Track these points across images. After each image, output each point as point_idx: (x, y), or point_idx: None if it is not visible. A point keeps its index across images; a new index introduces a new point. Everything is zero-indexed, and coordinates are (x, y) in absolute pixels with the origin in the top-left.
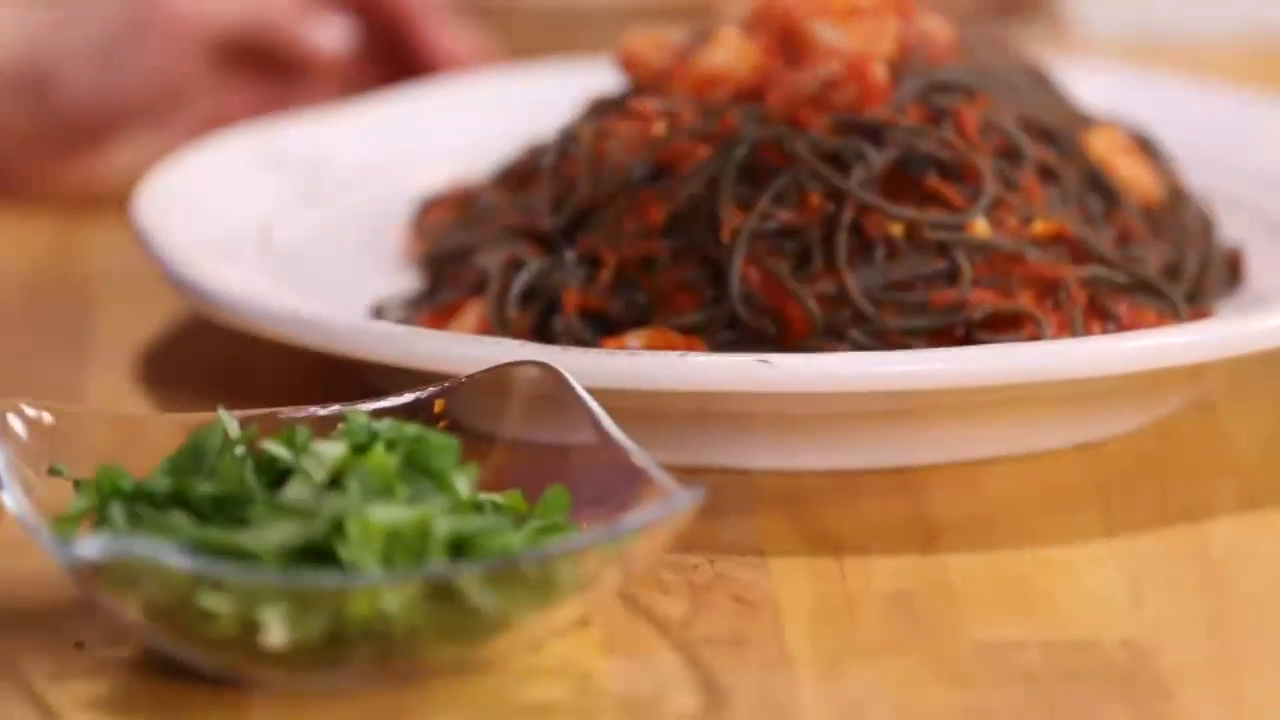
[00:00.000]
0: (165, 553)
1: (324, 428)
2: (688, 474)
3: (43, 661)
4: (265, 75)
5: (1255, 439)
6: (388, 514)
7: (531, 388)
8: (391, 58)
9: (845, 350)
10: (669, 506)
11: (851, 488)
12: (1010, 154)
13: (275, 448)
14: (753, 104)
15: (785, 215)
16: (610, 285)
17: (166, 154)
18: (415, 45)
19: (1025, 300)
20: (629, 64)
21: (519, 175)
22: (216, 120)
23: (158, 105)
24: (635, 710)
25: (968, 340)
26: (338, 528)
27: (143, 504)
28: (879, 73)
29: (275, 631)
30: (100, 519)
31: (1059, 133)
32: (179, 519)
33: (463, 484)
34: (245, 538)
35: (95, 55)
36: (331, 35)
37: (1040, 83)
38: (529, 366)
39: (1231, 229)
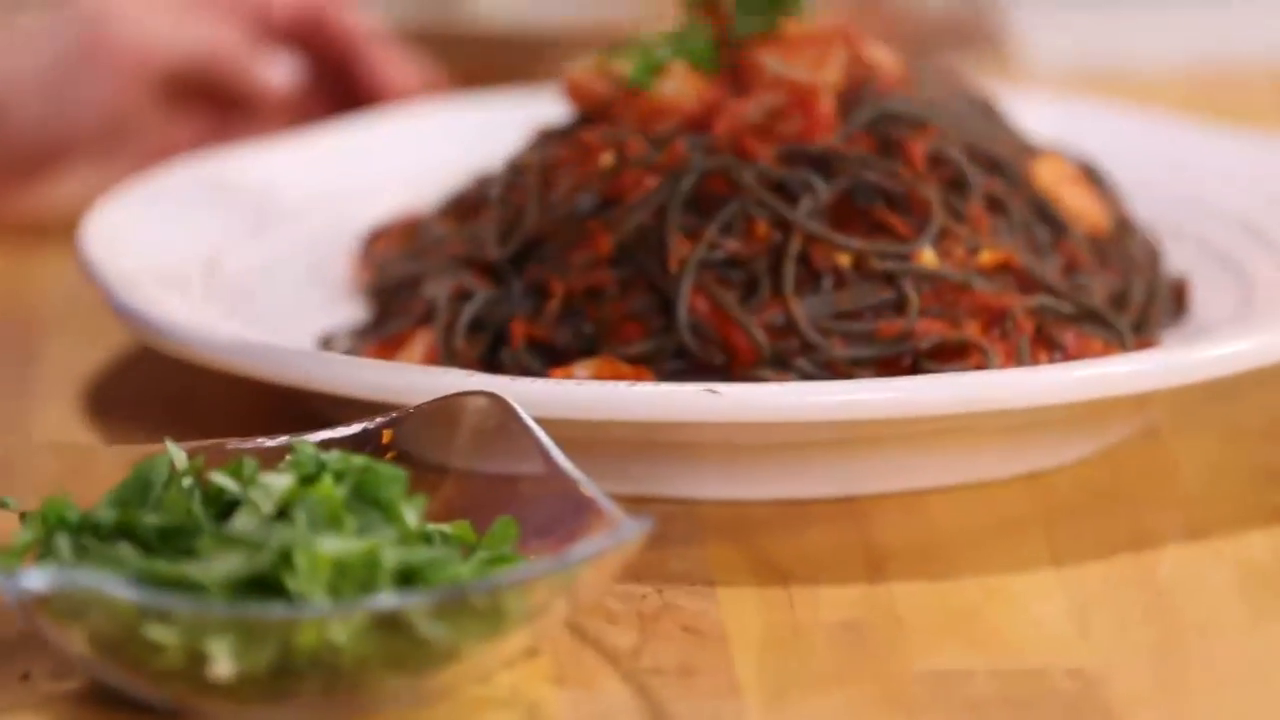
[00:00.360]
0: (111, 584)
1: (271, 458)
2: (636, 504)
3: None
4: (212, 108)
5: (1201, 468)
6: (335, 545)
7: (479, 418)
8: (338, 89)
9: (793, 380)
10: (617, 536)
11: (799, 517)
12: (957, 184)
13: (222, 479)
14: (700, 134)
15: (732, 245)
16: (558, 315)
17: (113, 185)
18: (361, 76)
19: (972, 330)
20: (574, 94)
21: (466, 205)
22: (164, 152)
23: (105, 137)
24: None
25: (915, 370)
26: (285, 559)
27: (89, 535)
28: (826, 103)
29: (222, 663)
30: (46, 550)
31: (1006, 163)
32: (125, 550)
33: (411, 515)
34: (192, 569)
35: (42, 86)
36: (279, 71)
37: (987, 113)
38: (477, 396)
39: (1177, 259)
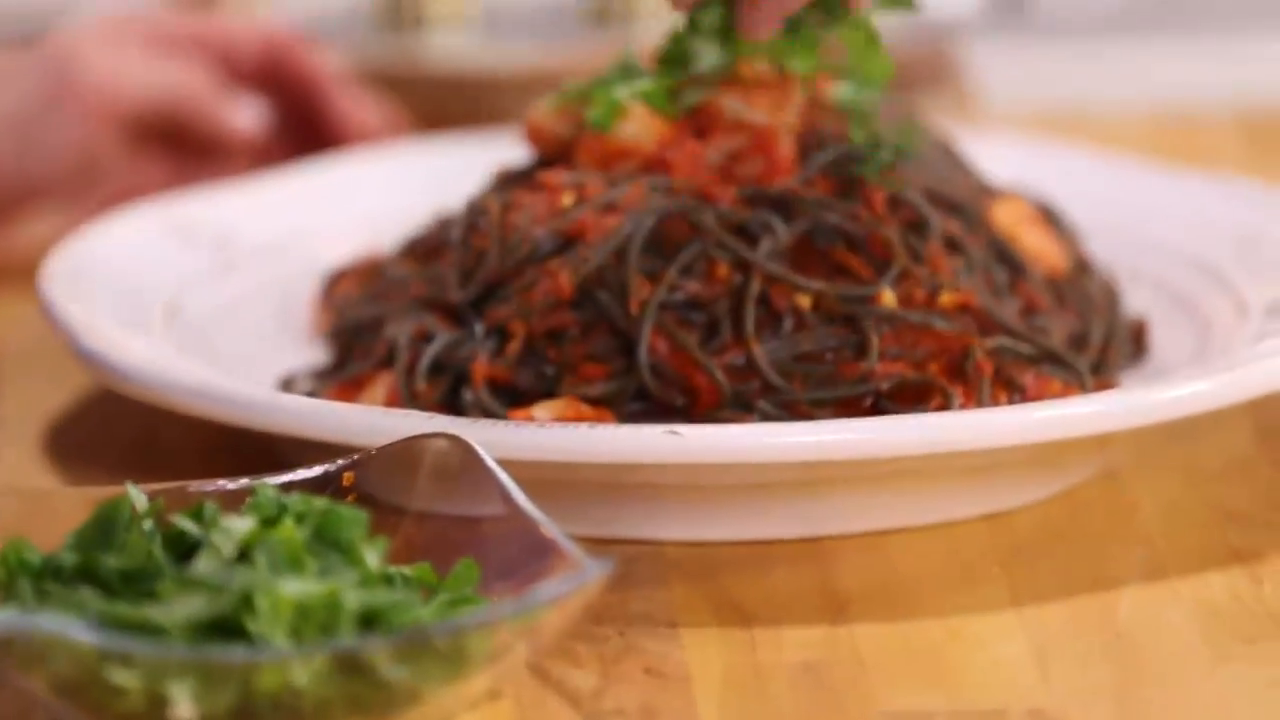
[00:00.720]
0: (73, 628)
1: (233, 501)
2: (598, 545)
3: None
4: (179, 151)
5: (1160, 508)
6: (296, 588)
7: (441, 460)
8: (302, 131)
9: (754, 421)
10: (579, 578)
11: (761, 558)
12: (917, 226)
13: (183, 522)
14: (660, 176)
15: (693, 287)
16: (519, 356)
17: (79, 226)
18: (325, 117)
19: (932, 371)
20: (534, 136)
21: (427, 247)
22: (130, 194)
23: (72, 179)
24: None
25: (876, 411)
26: (246, 602)
27: (50, 579)
28: (785, 145)
29: (184, 706)
30: (7, 594)
31: (965, 204)
32: (87, 594)
33: (372, 557)
34: (153, 612)
35: (10, 129)
36: (245, 115)
37: (946, 154)
38: (438, 438)
39: (1135, 300)
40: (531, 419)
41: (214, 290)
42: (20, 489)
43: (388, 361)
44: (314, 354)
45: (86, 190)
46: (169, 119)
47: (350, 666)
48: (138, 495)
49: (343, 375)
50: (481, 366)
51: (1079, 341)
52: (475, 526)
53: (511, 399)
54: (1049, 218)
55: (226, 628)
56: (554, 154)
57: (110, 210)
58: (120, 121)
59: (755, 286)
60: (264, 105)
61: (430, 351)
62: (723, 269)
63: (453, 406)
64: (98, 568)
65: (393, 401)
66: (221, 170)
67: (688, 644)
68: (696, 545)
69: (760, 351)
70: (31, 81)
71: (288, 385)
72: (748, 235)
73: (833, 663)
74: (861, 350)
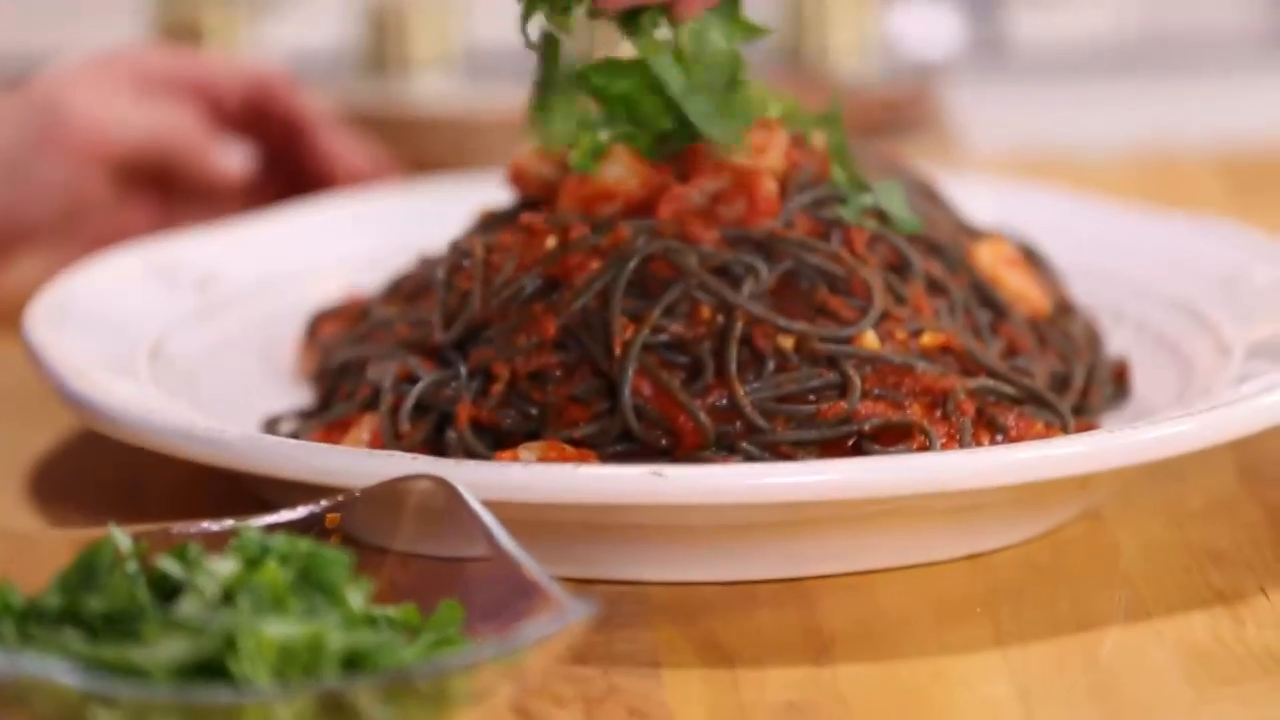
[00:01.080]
0: (56, 671)
1: (216, 543)
2: (581, 586)
3: None
4: (166, 193)
5: (1143, 549)
6: (280, 629)
7: (424, 501)
8: (288, 172)
9: (737, 462)
10: (562, 619)
11: (745, 598)
12: (899, 267)
13: (167, 564)
14: (643, 218)
15: (676, 328)
16: (502, 398)
17: (65, 268)
18: (311, 158)
19: (914, 412)
20: (517, 178)
21: (411, 289)
22: (117, 236)
23: (59, 222)
24: None
25: (858, 451)
26: (230, 643)
27: (34, 621)
28: (768, 186)
29: None
30: None
31: (946, 246)
32: (70, 636)
33: (356, 598)
34: (137, 654)
35: None
36: (233, 158)
37: (928, 196)
38: (422, 480)
39: (1117, 341)
40: (516, 460)
41: (198, 332)
42: (4, 531)
43: (372, 403)
44: (298, 395)
45: (73, 232)
46: (156, 162)
47: (334, 708)
48: (121, 537)
49: (327, 416)
50: (465, 408)
51: (1061, 382)
52: (459, 567)
53: (495, 440)
54: (1031, 259)
55: (210, 669)
56: (538, 196)
57: (97, 252)
58: (108, 164)
59: (738, 328)
60: (250, 146)
61: (414, 393)
62: (705, 310)
63: (437, 448)
64: (81, 610)
65: (377, 443)
66: (208, 212)
67: (671, 684)
68: (680, 586)
69: (743, 392)
70: (18, 123)
71: (272, 426)
72: (730, 276)
73: (816, 703)
74: (844, 391)
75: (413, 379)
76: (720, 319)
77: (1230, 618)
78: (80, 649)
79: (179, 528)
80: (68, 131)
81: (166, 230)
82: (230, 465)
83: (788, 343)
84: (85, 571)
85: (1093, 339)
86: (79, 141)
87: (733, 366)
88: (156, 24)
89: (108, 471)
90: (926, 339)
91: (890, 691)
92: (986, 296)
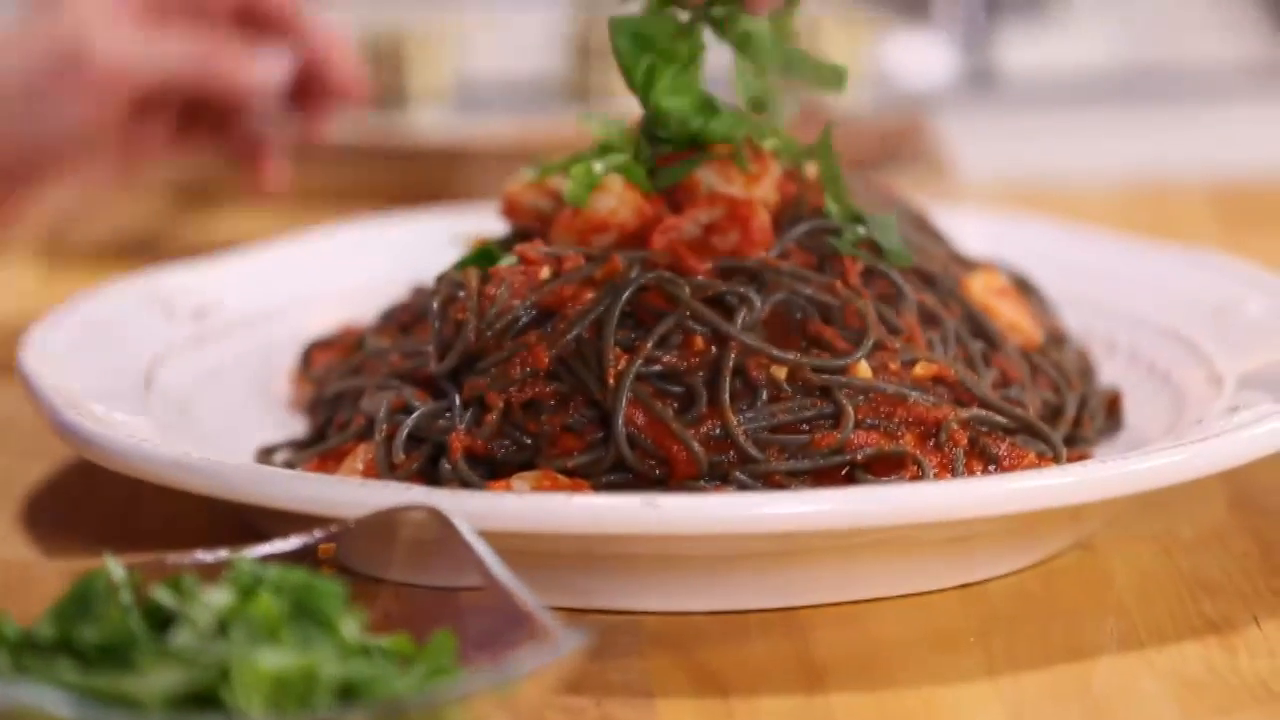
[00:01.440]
0: (51, 701)
1: (211, 573)
2: (575, 616)
3: None
4: (188, 114)
5: (1135, 578)
6: (274, 660)
7: (418, 531)
8: (298, 92)
9: (731, 492)
10: (556, 649)
11: (738, 628)
12: (891, 298)
13: (162, 594)
14: (637, 249)
15: (670, 358)
16: (496, 428)
17: (80, 197)
18: (310, 61)
19: (907, 442)
20: (511, 209)
21: (405, 319)
22: (130, 164)
23: (81, 150)
24: None
25: (851, 481)
26: (224, 674)
27: (28, 651)
28: (762, 218)
29: None
30: None
31: (939, 276)
32: (65, 666)
33: (350, 628)
34: (132, 685)
35: (19, 97)
36: (269, 66)
37: (920, 227)
38: (416, 510)
39: (1109, 372)
40: (510, 490)
41: (193, 362)
42: None
43: (366, 433)
44: (292, 426)
45: (95, 161)
46: (188, 88)
47: None
48: (116, 567)
49: (321, 447)
50: (459, 438)
51: (1054, 412)
52: (453, 597)
53: (489, 470)
54: (1024, 289)
55: (204, 700)
56: (531, 227)
57: (117, 180)
58: (131, 95)
59: (731, 358)
60: (289, 57)
61: (408, 423)
62: (699, 341)
63: (431, 478)
64: (76, 640)
65: (371, 473)
66: (228, 133)
67: (664, 714)
68: (673, 615)
69: (736, 422)
70: (40, 53)
71: (266, 456)
72: (724, 307)
73: None
74: (837, 421)
75: (407, 409)
76: (714, 349)
77: (1222, 647)
78: (74, 679)
79: (173, 558)
80: (94, 66)
81: (186, 156)
82: (224, 495)
83: (781, 373)
84: (80, 602)
85: (1085, 369)
86: (105, 76)
87: (726, 396)
88: None
89: (102, 502)
90: (919, 369)
91: None
92: (979, 327)
